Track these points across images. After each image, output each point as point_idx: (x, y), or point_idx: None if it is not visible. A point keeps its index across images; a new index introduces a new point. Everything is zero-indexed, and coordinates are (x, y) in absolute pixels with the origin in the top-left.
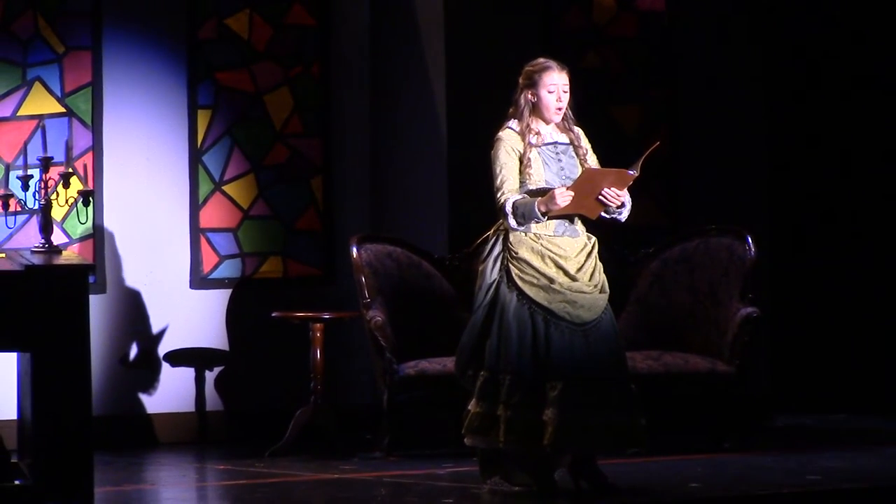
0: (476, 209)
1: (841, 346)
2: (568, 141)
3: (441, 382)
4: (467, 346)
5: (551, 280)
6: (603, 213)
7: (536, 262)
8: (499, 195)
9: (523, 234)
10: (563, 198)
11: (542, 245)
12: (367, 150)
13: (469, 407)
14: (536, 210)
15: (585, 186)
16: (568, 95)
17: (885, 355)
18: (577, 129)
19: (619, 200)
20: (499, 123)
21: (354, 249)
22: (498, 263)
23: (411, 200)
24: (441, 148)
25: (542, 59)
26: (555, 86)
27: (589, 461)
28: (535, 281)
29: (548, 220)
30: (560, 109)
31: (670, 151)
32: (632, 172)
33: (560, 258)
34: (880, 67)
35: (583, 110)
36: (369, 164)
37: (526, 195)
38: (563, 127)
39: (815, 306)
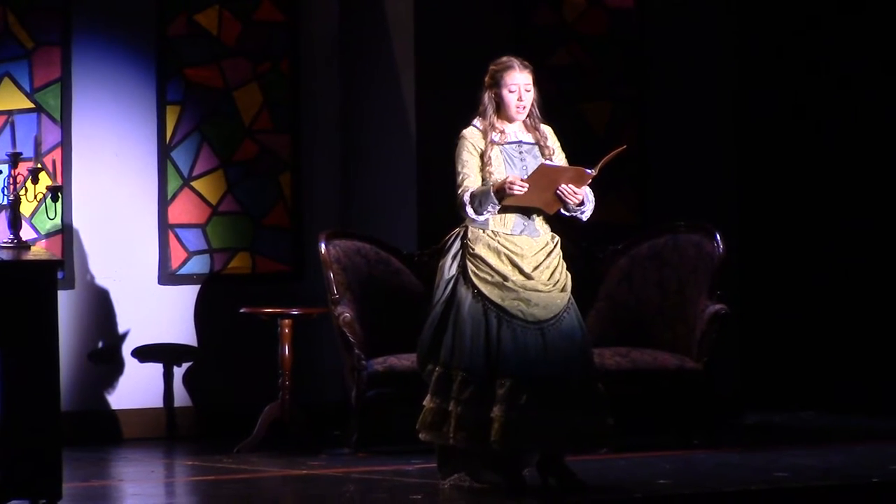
0: (445, 206)
1: (810, 343)
2: (533, 140)
3: (409, 379)
4: (426, 341)
5: (505, 277)
6: (563, 211)
7: (492, 260)
8: (459, 192)
9: (481, 231)
10: (518, 187)
11: (498, 242)
12: (337, 146)
13: (424, 402)
14: (492, 194)
15: (542, 181)
16: (531, 94)
17: (854, 353)
18: (545, 128)
19: (576, 198)
20: (468, 121)
21: (323, 246)
22: (456, 260)
23: (380, 197)
24: (410, 144)
25: (504, 58)
26: (516, 85)
27: (557, 458)
28: (489, 278)
29: (506, 214)
30: (521, 109)
31: (640, 148)
32: (589, 171)
33: (516, 256)
34: (852, 65)
35: (552, 107)
36: (338, 160)
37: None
38: (529, 126)
39: (784, 303)
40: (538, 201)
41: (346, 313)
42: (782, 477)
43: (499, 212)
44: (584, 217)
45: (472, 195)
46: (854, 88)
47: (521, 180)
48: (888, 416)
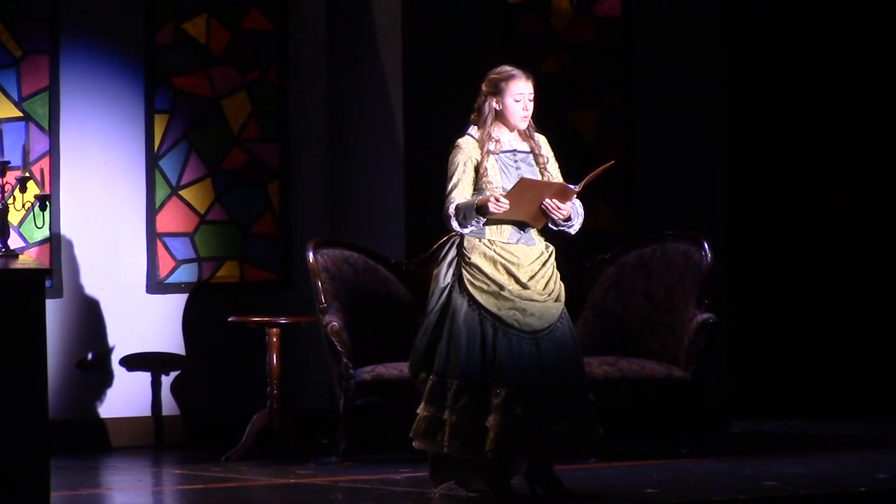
0: (433, 214)
1: (797, 351)
2: (528, 149)
3: (398, 387)
4: (420, 349)
5: (501, 287)
6: (550, 225)
7: (488, 269)
8: (447, 202)
9: (477, 240)
10: (497, 206)
11: (494, 251)
12: (325, 154)
13: (418, 410)
14: (475, 211)
15: (525, 195)
16: (533, 104)
17: (842, 361)
18: (540, 138)
19: (560, 213)
20: (456, 129)
21: (311, 254)
22: (451, 268)
23: (368, 205)
24: (398, 153)
25: (507, 67)
26: (521, 94)
27: (545, 467)
28: (485, 287)
29: (501, 226)
30: (525, 118)
31: (627, 157)
32: (573, 187)
33: (512, 265)
34: (838, 76)
35: (540, 116)
36: (326, 168)
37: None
38: (525, 135)
39: (772, 312)
40: (524, 215)
41: (333, 322)
42: (770, 486)
43: (490, 223)
44: (572, 231)
45: (458, 208)
46: (845, 98)
47: (503, 195)
48: (876, 425)
